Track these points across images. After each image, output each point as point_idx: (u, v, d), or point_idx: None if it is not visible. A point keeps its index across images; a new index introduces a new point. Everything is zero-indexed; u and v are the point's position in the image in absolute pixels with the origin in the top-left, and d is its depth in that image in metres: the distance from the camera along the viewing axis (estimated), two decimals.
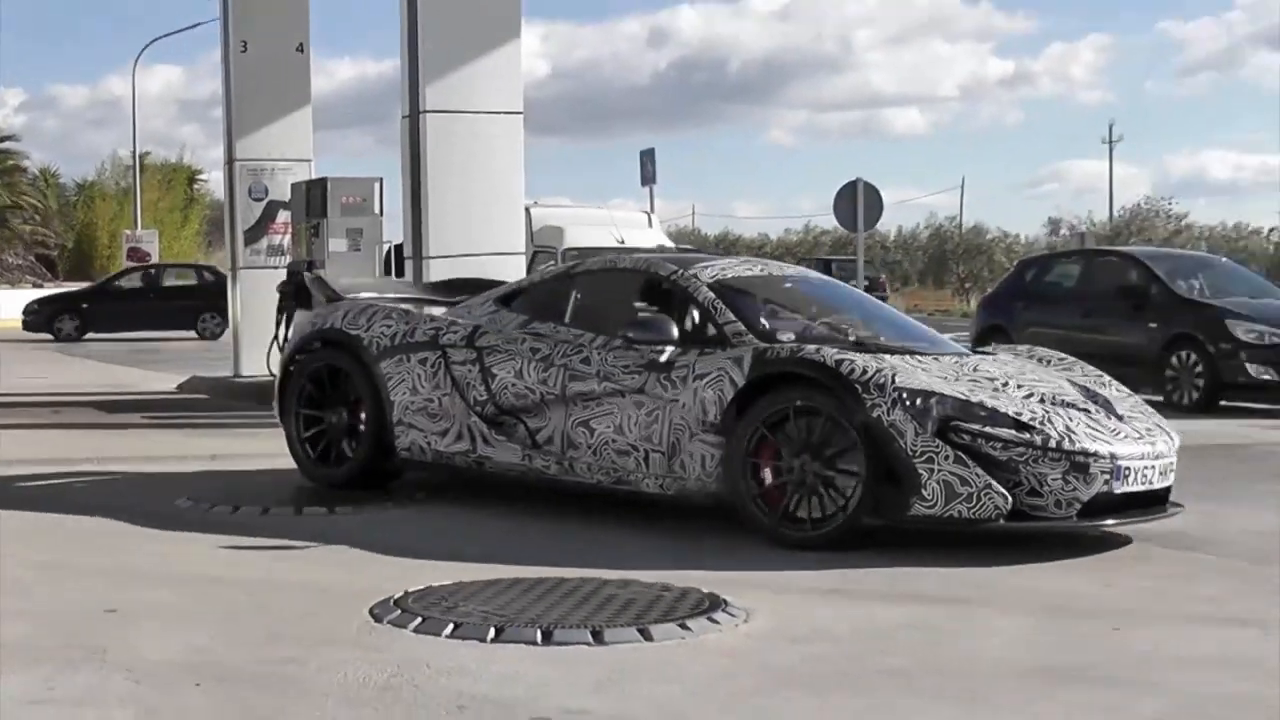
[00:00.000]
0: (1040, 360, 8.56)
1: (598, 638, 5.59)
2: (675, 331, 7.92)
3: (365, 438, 8.98)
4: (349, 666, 5.18)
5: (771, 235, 78.90)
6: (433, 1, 13.48)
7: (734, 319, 8.01)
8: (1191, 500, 8.20)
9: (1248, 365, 15.66)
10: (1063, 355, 8.83)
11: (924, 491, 7.11)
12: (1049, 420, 7.36)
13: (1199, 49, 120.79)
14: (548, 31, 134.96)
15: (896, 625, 5.95)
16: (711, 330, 8.01)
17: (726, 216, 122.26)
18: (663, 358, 7.85)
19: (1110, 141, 77.07)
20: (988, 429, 7.21)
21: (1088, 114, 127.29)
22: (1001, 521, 7.17)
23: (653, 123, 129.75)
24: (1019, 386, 7.71)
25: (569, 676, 5.12)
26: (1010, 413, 7.33)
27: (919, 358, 7.86)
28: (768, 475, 7.45)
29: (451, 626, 5.69)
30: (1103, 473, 7.32)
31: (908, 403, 7.13)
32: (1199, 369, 15.89)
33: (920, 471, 7.10)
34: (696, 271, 8.45)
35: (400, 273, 14.84)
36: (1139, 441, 7.59)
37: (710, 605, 6.06)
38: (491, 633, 5.62)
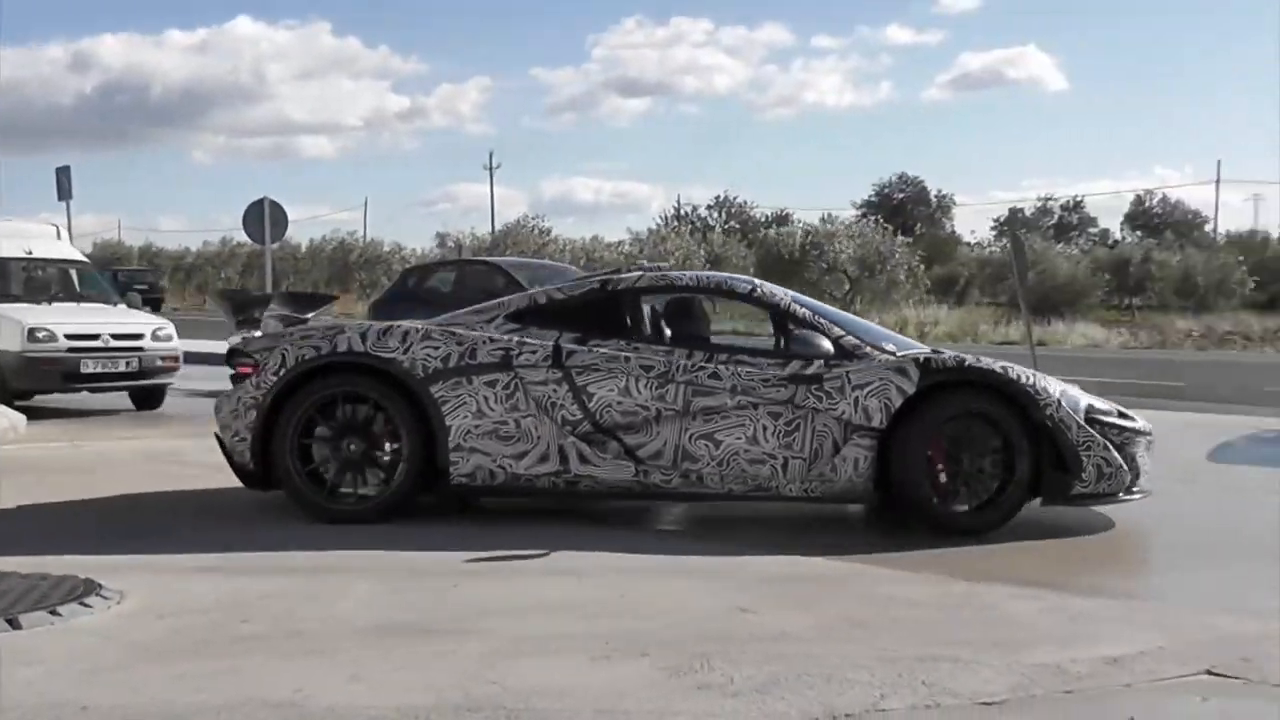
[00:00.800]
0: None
1: None
2: (830, 346, 7.67)
3: (408, 465, 7.63)
4: None
5: (192, 248, 76.43)
6: None
7: (843, 332, 7.85)
8: None
9: None
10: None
11: (1083, 475, 7.43)
12: (1123, 409, 7.90)
13: (564, 92, 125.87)
14: None
15: (261, 595, 5.79)
16: (822, 341, 7.72)
17: (150, 230, 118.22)
18: (809, 370, 7.56)
19: (491, 168, 79.44)
20: (1109, 419, 7.64)
21: (474, 144, 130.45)
22: (1122, 495, 7.61)
23: (79, 142, 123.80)
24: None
25: None
26: (1112, 405, 7.85)
27: None
28: (940, 469, 7.40)
29: None
30: (1151, 447, 7.91)
31: (1063, 402, 7.46)
32: None
33: (1083, 458, 7.41)
34: (770, 289, 8.24)
35: None
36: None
37: (85, 590, 5.72)
38: None
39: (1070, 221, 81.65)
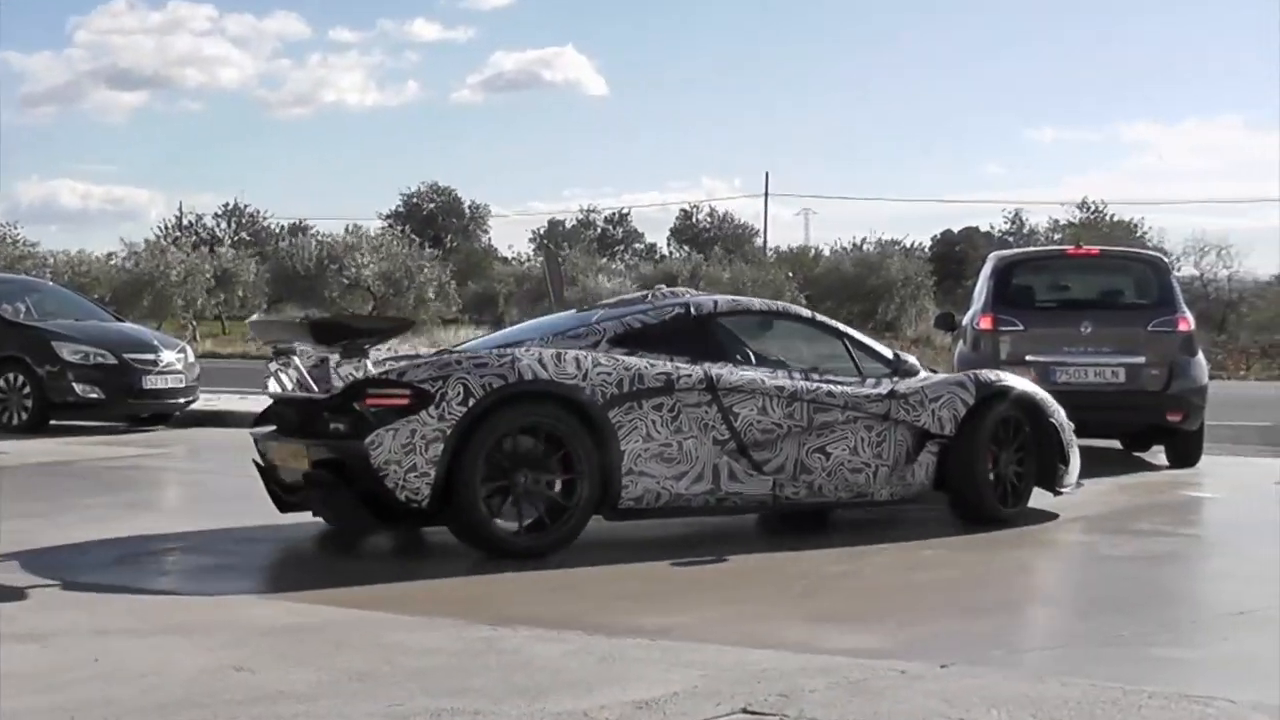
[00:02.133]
0: None
1: None
2: (918, 364, 9.59)
3: (588, 493, 8.16)
4: None
5: None
6: None
7: (890, 351, 9.77)
8: (21, 517, 8.00)
9: (75, 385, 16.20)
10: None
11: (1069, 467, 9.70)
12: None
13: (42, 81, 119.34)
14: None
15: None
16: (878, 361, 9.53)
17: None
18: (900, 387, 9.27)
19: None
20: (1065, 420, 9.83)
21: None
22: (1081, 483, 9.96)
23: None
24: None
25: None
26: None
27: None
28: (990, 468, 9.33)
29: None
30: None
31: (1060, 409, 9.81)
32: (28, 390, 16.19)
33: (1070, 454, 9.72)
34: (823, 317, 10.10)
35: None
36: None
37: None
38: None
39: (615, 235, 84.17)
